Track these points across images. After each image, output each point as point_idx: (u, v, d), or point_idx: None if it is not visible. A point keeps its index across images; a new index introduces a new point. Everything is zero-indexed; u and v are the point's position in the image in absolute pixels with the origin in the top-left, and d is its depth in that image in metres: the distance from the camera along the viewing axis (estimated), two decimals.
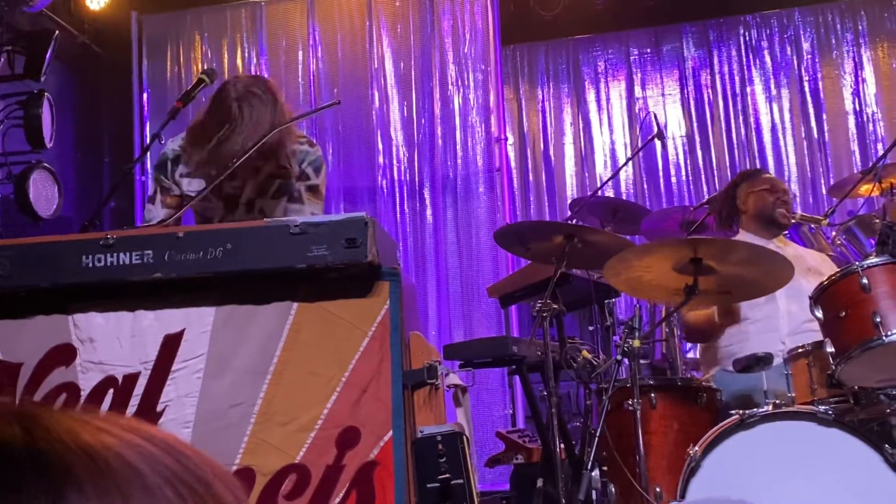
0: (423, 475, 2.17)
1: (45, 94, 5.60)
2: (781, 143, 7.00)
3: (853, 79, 6.94)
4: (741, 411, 3.08)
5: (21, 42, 5.71)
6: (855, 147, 6.85)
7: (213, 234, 2.56)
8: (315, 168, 3.19)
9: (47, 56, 5.62)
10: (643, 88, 7.25)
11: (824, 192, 6.61)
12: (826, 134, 6.93)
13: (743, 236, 4.11)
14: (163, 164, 3.20)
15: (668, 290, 3.28)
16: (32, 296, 2.63)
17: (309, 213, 3.13)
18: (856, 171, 5.88)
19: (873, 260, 2.98)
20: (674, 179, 7.11)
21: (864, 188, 4.94)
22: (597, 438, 2.97)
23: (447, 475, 2.11)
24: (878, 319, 2.86)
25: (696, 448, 3.06)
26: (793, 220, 4.35)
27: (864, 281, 2.92)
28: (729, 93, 7.13)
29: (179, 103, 3.16)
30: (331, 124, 6.67)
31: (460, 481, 2.09)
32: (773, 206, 4.08)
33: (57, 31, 5.81)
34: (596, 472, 2.99)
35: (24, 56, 5.67)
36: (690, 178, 7.09)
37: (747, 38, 7.16)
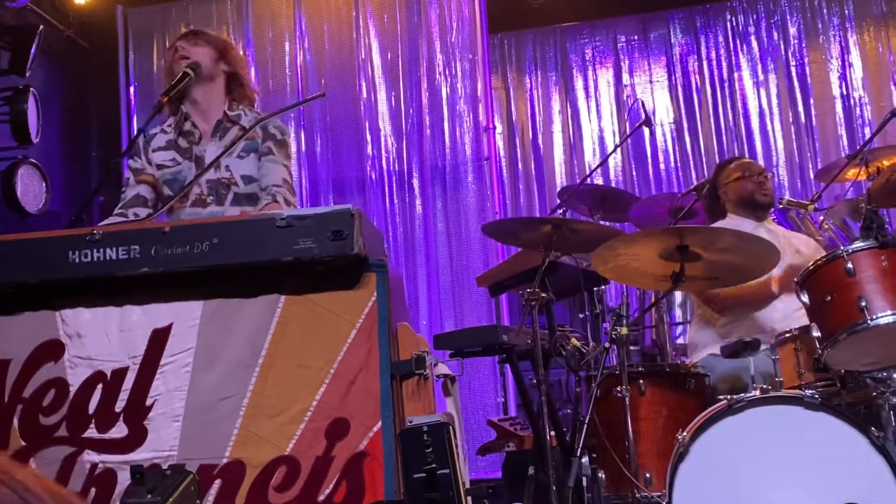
0: (409, 465, 2.18)
1: (31, 89, 5.57)
2: (769, 128, 7.01)
3: (840, 63, 6.95)
4: (729, 396, 3.10)
5: (5, 37, 5.68)
6: (842, 131, 6.87)
7: (200, 228, 2.57)
8: (281, 131, 3.41)
9: (32, 51, 5.60)
10: (631, 75, 7.25)
11: (812, 176, 6.63)
12: (813, 118, 6.95)
13: (732, 221, 4.14)
14: (136, 149, 3.45)
15: (656, 276, 3.29)
16: (20, 292, 2.63)
17: (282, 165, 3.32)
18: (843, 156, 5.89)
19: (858, 245, 2.99)
20: (662, 166, 7.12)
21: (851, 172, 4.96)
22: (586, 425, 2.99)
23: (433, 465, 2.12)
24: (864, 304, 2.88)
25: (685, 433, 3.08)
26: (780, 206, 4.37)
27: (850, 265, 2.94)
28: (716, 79, 7.13)
29: (164, 97, 3.17)
30: (319, 115, 6.66)
31: (446, 471, 2.11)
32: (751, 191, 4.15)
33: (42, 26, 5.79)
34: (585, 459, 3.01)
35: (9, 51, 5.65)
36: (679, 164, 7.10)
37: (734, 24, 7.16)
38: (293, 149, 3.51)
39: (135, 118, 6.90)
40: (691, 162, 7.08)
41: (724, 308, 4.18)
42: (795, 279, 3.19)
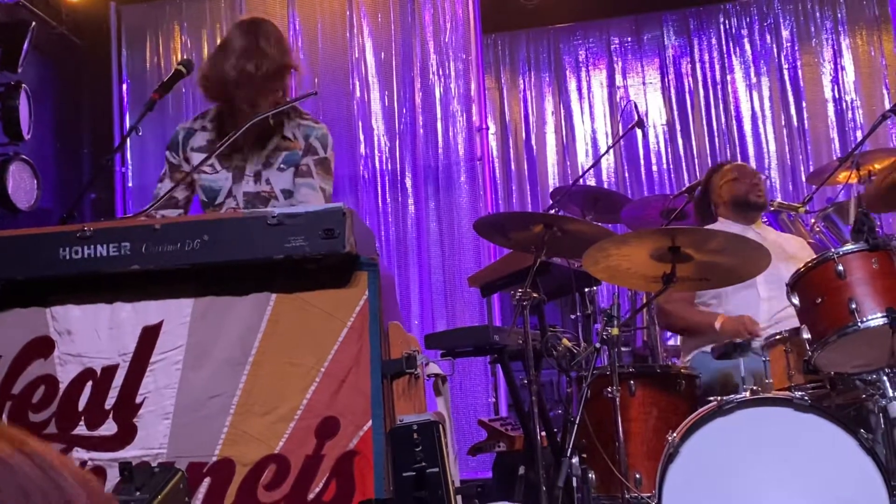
0: (399, 464, 2.19)
1: (23, 85, 5.55)
2: (761, 130, 7.04)
3: (832, 66, 6.98)
4: (719, 398, 3.11)
5: None
6: (834, 134, 6.89)
7: (191, 225, 2.56)
8: (322, 143, 3.26)
9: (24, 47, 5.57)
10: (624, 77, 7.26)
11: (804, 179, 6.65)
12: (806, 121, 6.97)
13: (722, 224, 4.15)
14: (174, 143, 3.32)
15: (647, 277, 3.30)
16: (9, 288, 2.62)
17: (319, 188, 3.18)
18: (835, 159, 5.91)
19: (849, 247, 3.00)
20: (654, 168, 7.13)
21: (842, 175, 4.98)
22: (576, 426, 2.99)
23: (423, 464, 2.12)
24: (854, 306, 2.89)
25: (675, 434, 3.08)
26: (771, 208, 4.39)
27: (840, 268, 2.95)
28: (709, 81, 7.15)
29: (156, 95, 3.15)
30: (311, 114, 6.63)
31: (435, 470, 2.11)
32: (746, 192, 4.16)
33: (34, 23, 5.76)
34: (575, 460, 3.01)
35: (1, 48, 5.62)
36: (671, 166, 7.12)
37: (727, 27, 7.18)
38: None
39: (127, 115, 6.87)
40: (683, 164, 7.09)
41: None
42: (786, 282, 3.20)
